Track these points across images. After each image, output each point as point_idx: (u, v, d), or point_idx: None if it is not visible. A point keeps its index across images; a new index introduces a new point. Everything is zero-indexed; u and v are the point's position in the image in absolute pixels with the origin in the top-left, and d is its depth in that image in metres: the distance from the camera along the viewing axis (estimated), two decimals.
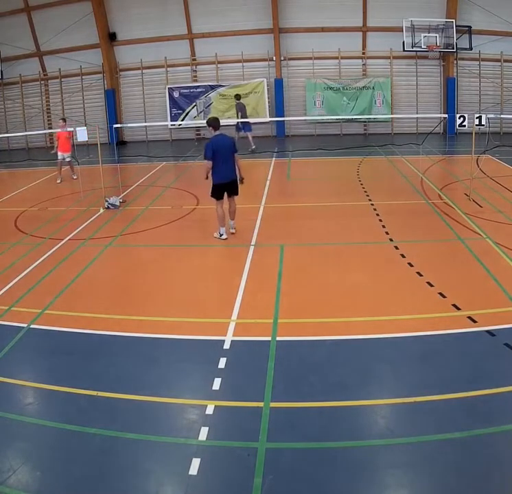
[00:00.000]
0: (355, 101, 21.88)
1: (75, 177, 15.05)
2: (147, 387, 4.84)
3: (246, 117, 18.67)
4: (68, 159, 14.74)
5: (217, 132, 8.67)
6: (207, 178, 8.77)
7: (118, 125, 20.23)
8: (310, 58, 21.87)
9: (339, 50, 21.61)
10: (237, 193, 8.99)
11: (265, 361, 5.14)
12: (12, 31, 22.50)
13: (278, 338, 5.59)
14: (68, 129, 14.47)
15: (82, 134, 11.26)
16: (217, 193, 8.79)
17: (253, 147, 18.25)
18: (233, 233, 9.02)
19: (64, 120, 15.31)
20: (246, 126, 18.07)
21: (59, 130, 14.81)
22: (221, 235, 8.87)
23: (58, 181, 14.70)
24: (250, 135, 18.28)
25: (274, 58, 21.92)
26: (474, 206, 10.45)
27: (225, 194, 8.85)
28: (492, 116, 12.75)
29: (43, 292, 7.01)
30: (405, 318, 5.96)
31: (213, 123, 8.73)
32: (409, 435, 4.06)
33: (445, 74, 21.62)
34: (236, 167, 8.88)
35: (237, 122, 17.92)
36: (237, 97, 19.10)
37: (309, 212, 10.72)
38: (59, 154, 14.66)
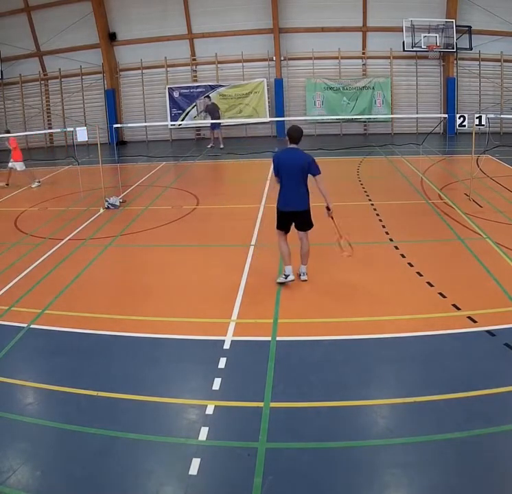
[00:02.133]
0: (355, 101, 21.88)
1: (34, 186, 14.42)
2: (147, 387, 4.84)
3: (218, 118, 20.24)
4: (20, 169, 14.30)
5: (292, 146, 6.72)
6: None
7: (118, 125, 20.22)
8: (310, 58, 21.87)
9: (339, 50, 21.61)
10: (305, 229, 6.93)
11: (265, 361, 5.14)
12: (12, 31, 22.50)
13: (278, 338, 5.59)
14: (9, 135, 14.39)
15: (81, 134, 11.26)
16: (278, 222, 6.92)
17: (221, 146, 19.93)
18: (304, 280, 7.02)
19: (8, 131, 15.08)
20: (216, 125, 19.95)
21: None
22: (286, 276, 6.83)
23: (1, 184, 14.36)
24: (219, 134, 20.25)
25: (274, 58, 21.92)
26: (474, 206, 10.44)
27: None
28: (492, 116, 12.76)
29: (43, 292, 7.01)
30: (405, 318, 5.96)
31: (290, 133, 6.69)
32: (409, 435, 4.06)
33: (445, 74, 21.62)
34: (307, 193, 6.89)
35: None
36: (209, 98, 21.03)
37: None
38: (10, 163, 14.26)
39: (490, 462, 3.76)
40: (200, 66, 22.93)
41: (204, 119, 22.36)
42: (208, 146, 20.30)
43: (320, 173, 6.76)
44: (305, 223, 6.89)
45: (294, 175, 6.66)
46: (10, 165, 14.43)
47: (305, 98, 22.20)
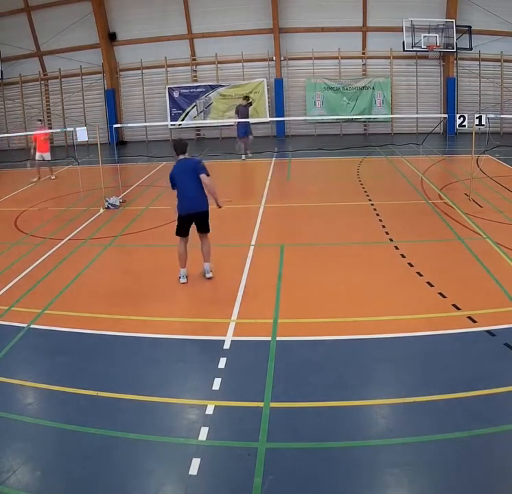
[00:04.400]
0: (355, 101, 21.89)
1: (53, 178, 15.33)
2: (147, 387, 4.84)
3: (249, 124, 17.55)
4: (47, 159, 15.13)
5: (181, 157, 7.13)
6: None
7: (118, 125, 20.23)
8: (310, 58, 21.87)
9: (339, 50, 21.61)
10: (205, 230, 7.20)
11: (265, 361, 5.14)
12: (12, 31, 22.51)
13: (278, 338, 5.59)
14: (46, 130, 15.01)
15: (82, 134, 11.26)
16: (178, 228, 7.17)
17: (249, 154, 17.34)
18: (209, 278, 7.27)
19: (41, 121, 16.25)
20: (248, 130, 17.26)
21: (37, 132, 15.26)
22: (179, 277, 7.20)
23: (34, 180, 14.92)
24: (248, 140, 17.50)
25: (274, 58, 21.93)
26: (474, 206, 10.45)
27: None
28: (492, 116, 12.76)
29: (43, 292, 7.01)
30: (405, 318, 5.96)
31: (174, 147, 7.19)
32: (409, 435, 4.06)
33: (445, 74, 21.62)
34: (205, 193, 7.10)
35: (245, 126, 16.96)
36: (247, 99, 18.04)
37: (309, 212, 10.72)
38: (38, 154, 15.03)
39: (490, 462, 3.76)
40: (200, 66, 22.93)
41: (204, 119, 22.40)
42: (243, 157, 17.28)
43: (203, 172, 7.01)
44: (203, 223, 7.17)
45: (188, 177, 6.99)
46: (38, 156, 14.98)
47: (305, 98, 22.21)
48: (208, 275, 7.29)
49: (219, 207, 7.14)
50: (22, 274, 7.68)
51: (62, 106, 23.50)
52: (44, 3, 22.00)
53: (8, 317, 6.31)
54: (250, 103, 18.33)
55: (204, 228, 7.18)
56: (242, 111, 17.24)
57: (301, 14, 21.42)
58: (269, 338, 5.59)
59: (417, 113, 21.55)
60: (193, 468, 3.77)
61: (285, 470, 3.75)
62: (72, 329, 5.98)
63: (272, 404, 4.46)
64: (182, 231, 7.13)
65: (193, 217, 7.09)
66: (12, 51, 22.67)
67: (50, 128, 22.61)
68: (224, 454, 3.96)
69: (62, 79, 23.29)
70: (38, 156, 15.07)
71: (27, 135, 20.78)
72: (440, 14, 20.58)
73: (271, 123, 22.11)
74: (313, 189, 12.83)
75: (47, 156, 15.16)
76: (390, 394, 4.66)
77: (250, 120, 16.36)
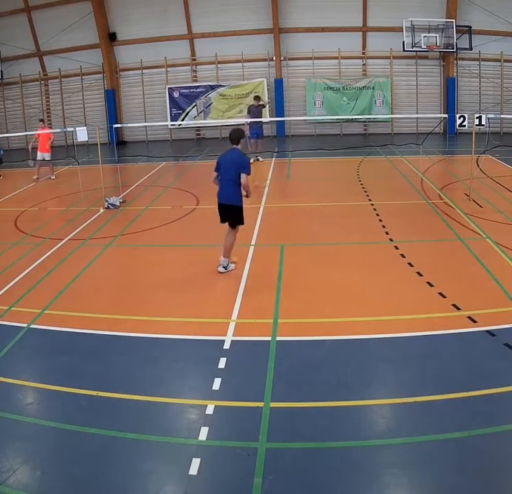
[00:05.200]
0: (355, 101, 21.90)
1: (53, 177, 15.37)
2: (147, 387, 4.83)
3: (261, 126, 16.75)
4: (47, 159, 15.19)
5: (233, 146, 7.35)
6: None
7: (118, 125, 20.23)
8: (310, 58, 21.88)
9: (339, 50, 21.62)
10: (233, 223, 7.46)
11: (265, 361, 5.14)
12: (12, 31, 22.53)
13: (278, 338, 5.59)
14: (48, 130, 15.31)
15: (81, 134, 11.25)
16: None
17: (260, 159, 16.77)
18: (219, 272, 7.44)
19: (42, 121, 16.39)
20: (260, 132, 16.54)
21: (40, 132, 15.34)
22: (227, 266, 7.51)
23: (34, 177, 14.99)
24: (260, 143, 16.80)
25: (274, 58, 21.93)
26: (474, 206, 10.44)
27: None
28: (492, 116, 12.74)
29: (43, 292, 7.01)
30: (405, 318, 5.96)
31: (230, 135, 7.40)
32: (409, 435, 4.06)
33: (445, 74, 21.63)
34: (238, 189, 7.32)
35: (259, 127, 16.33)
36: (258, 98, 16.93)
37: (309, 212, 10.72)
38: (38, 154, 15.13)
39: (490, 462, 3.76)
40: (200, 66, 22.94)
41: (204, 119, 22.40)
42: (252, 160, 15.28)
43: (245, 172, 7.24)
44: (231, 217, 7.46)
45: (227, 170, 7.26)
46: (39, 156, 15.10)
47: (305, 98, 22.21)
48: (219, 268, 7.46)
49: (247, 197, 7.42)
50: (22, 274, 7.68)
51: (62, 106, 23.51)
52: (44, 3, 22.02)
53: (8, 317, 6.31)
54: (263, 105, 17.45)
55: (231, 221, 7.45)
56: (254, 111, 16.40)
57: (301, 14, 21.44)
58: (269, 338, 5.59)
59: (417, 113, 21.56)
60: (193, 468, 3.77)
61: (285, 470, 3.75)
62: (72, 329, 5.98)
63: (272, 404, 4.46)
64: (220, 218, 7.51)
65: (223, 208, 7.41)
66: (12, 51, 22.68)
67: (50, 128, 22.64)
68: (224, 454, 3.96)
69: (62, 79, 23.30)
70: (38, 155, 15.16)
71: (26, 135, 20.81)
72: (440, 14, 20.59)
73: (271, 123, 22.10)
74: (313, 189, 12.83)
75: (48, 156, 15.22)
76: (390, 394, 4.66)
77: (250, 120, 16.21)
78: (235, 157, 7.26)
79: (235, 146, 7.33)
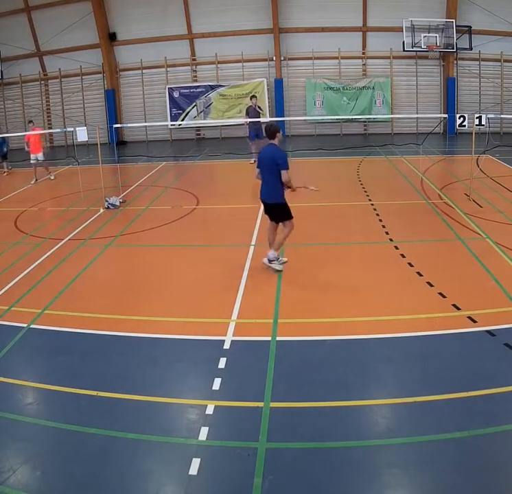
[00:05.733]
0: (355, 101, 21.89)
1: (52, 178, 15.32)
2: (147, 387, 4.84)
3: (260, 127, 15.98)
4: (41, 159, 15.15)
5: (271, 142, 7.28)
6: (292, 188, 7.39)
7: (118, 125, 20.22)
8: (310, 58, 21.88)
9: (339, 50, 21.62)
10: (277, 220, 7.48)
11: (265, 361, 5.14)
12: (12, 31, 22.52)
13: (278, 338, 5.59)
14: (39, 131, 15.34)
15: (81, 134, 11.25)
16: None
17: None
18: (264, 263, 7.49)
19: (32, 122, 16.50)
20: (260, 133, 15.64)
21: (30, 132, 15.31)
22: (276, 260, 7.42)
23: (32, 182, 14.89)
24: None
25: (274, 58, 21.93)
26: (474, 206, 10.45)
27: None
28: (492, 116, 12.74)
29: (43, 292, 7.01)
30: (405, 318, 5.96)
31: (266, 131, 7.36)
32: (409, 435, 4.06)
33: (445, 74, 21.62)
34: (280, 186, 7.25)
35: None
36: (255, 98, 17.02)
37: (309, 212, 10.70)
38: (32, 155, 15.08)
39: (490, 462, 3.76)
40: (200, 66, 22.94)
41: (204, 119, 22.39)
42: (252, 161, 15.80)
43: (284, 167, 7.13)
44: (275, 213, 7.46)
45: (267, 167, 7.21)
46: (32, 158, 15.06)
47: (305, 98, 22.21)
48: (263, 259, 7.49)
49: (293, 190, 7.39)
50: (22, 274, 7.68)
51: (62, 106, 23.51)
52: (44, 3, 22.01)
53: (8, 317, 6.31)
54: (261, 111, 17.21)
55: (275, 218, 7.48)
56: (252, 112, 16.32)
57: (301, 14, 21.43)
58: (269, 338, 5.59)
59: (417, 113, 21.55)
60: (193, 468, 3.78)
61: (285, 470, 3.75)
62: (72, 329, 5.98)
63: (272, 404, 4.46)
64: (267, 215, 7.59)
65: (266, 206, 7.51)
66: (12, 51, 22.68)
67: (50, 128, 22.68)
68: (224, 454, 3.96)
69: (62, 79, 23.30)
70: (32, 157, 15.06)
71: (26, 135, 20.81)
72: (440, 14, 20.58)
73: None
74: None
75: (40, 156, 15.13)
76: (390, 394, 4.66)
77: (251, 119, 16.16)
78: (272, 153, 7.14)
79: (271, 141, 7.24)
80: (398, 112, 21.69)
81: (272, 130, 7.23)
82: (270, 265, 7.41)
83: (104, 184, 11.95)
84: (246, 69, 22.22)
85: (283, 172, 7.05)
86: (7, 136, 16.61)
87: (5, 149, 16.78)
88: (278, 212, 7.39)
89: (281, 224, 7.46)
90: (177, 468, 3.86)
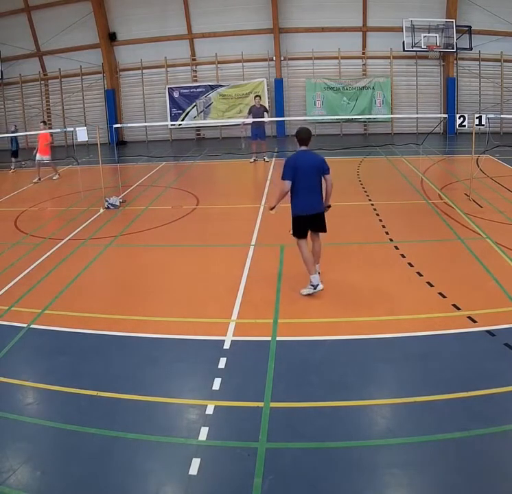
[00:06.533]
0: (355, 101, 21.90)
1: (55, 178, 15.38)
2: (147, 387, 4.83)
3: (263, 126, 16.63)
4: (47, 160, 15.18)
5: (303, 148, 6.51)
6: (274, 207, 6.77)
7: (118, 125, 20.23)
8: (310, 58, 21.89)
9: (339, 50, 21.62)
10: (318, 231, 6.74)
11: (265, 361, 5.14)
12: (12, 31, 22.53)
13: (278, 338, 5.59)
14: (45, 131, 15.32)
15: (81, 134, 11.25)
16: (298, 229, 6.64)
17: (267, 159, 16.77)
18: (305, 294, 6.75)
19: (44, 122, 16.47)
20: (262, 133, 16.48)
21: (41, 132, 15.33)
22: (315, 286, 6.51)
23: (35, 180, 14.96)
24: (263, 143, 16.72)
25: (274, 58, 21.93)
26: (474, 206, 10.44)
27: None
28: (492, 116, 12.74)
29: (43, 292, 7.01)
30: (405, 318, 5.96)
31: (298, 135, 6.52)
32: (409, 435, 4.06)
33: (445, 74, 21.63)
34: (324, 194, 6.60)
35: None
36: (259, 97, 17.18)
37: None
38: (38, 155, 15.11)
39: (490, 462, 3.76)
40: (200, 66, 22.95)
41: (204, 119, 22.39)
42: (251, 161, 16.58)
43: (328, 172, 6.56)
44: (320, 223, 6.71)
45: (312, 176, 6.47)
46: (38, 157, 15.06)
47: (305, 98, 22.21)
48: (311, 291, 6.61)
49: (329, 207, 6.75)
50: (22, 274, 7.67)
51: (62, 106, 23.51)
52: (44, 3, 22.02)
53: (8, 317, 6.31)
54: (266, 109, 17.32)
55: (321, 228, 6.71)
56: (255, 112, 16.25)
57: (301, 14, 21.44)
58: (269, 338, 5.59)
59: (417, 113, 21.56)
60: (193, 468, 3.77)
61: (285, 470, 3.75)
62: (72, 329, 5.98)
63: (272, 404, 4.46)
64: (302, 232, 6.61)
65: (311, 218, 6.59)
66: (12, 51, 22.69)
67: (50, 128, 22.65)
68: (224, 454, 3.96)
69: (62, 79, 23.31)
70: (38, 156, 15.14)
71: (26, 135, 20.83)
72: (440, 14, 20.59)
73: (271, 123, 22.10)
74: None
75: (47, 158, 15.20)
76: (390, 394, 4.66)
77: (251, 119, 16.17)
78: (315, 160, 6.46)
79: (304, 148, 6.49)
80: (398, 112, 21.69)
81: (309, 134, 6.50)
82: (316, 291, 6.56)
83: (104, 184, 11.95)
84: (246, 69, 22.23)
85: (329, 176, 6.49)
86: (17, 136, 16.72)
87: (15, 147, 16.90)
88: (322, 220, 6.66)
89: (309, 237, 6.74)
90: (177, 468, 3.86)
